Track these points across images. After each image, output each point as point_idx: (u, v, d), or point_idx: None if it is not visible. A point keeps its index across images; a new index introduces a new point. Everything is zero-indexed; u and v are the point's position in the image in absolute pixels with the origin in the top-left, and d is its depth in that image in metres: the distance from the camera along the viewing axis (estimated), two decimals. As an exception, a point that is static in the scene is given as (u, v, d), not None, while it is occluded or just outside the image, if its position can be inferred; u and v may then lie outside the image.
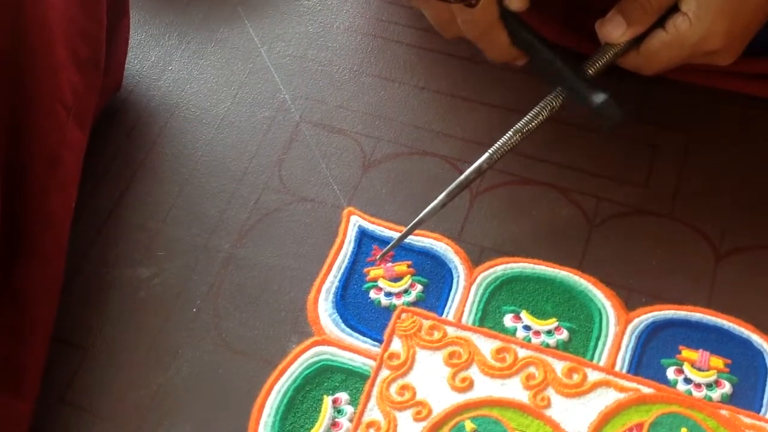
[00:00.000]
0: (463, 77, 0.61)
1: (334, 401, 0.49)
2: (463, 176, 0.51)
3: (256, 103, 0.60)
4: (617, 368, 0.49)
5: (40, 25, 0.49)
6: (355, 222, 0.55)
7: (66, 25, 0.51)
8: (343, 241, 0.54)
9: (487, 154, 0.51)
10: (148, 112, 0.60)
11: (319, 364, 0.50)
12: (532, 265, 0.53)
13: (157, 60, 0.63)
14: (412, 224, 0.52)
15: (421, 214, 0.51)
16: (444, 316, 0.51)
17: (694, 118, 0.58)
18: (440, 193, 0.51)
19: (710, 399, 0.48)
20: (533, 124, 0.51)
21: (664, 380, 0.49)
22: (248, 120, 0.60)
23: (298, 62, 0.62)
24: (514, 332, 0.51)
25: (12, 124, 0.48)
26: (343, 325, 0.51)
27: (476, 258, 0.53)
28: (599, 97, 0.49)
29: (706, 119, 0.58)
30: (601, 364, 0.49)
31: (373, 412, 0.48)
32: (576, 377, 0.49)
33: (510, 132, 0.51)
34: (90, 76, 0.54)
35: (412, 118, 0.59)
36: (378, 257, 0.53)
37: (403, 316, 0.51)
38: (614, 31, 0.50)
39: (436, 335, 0.50)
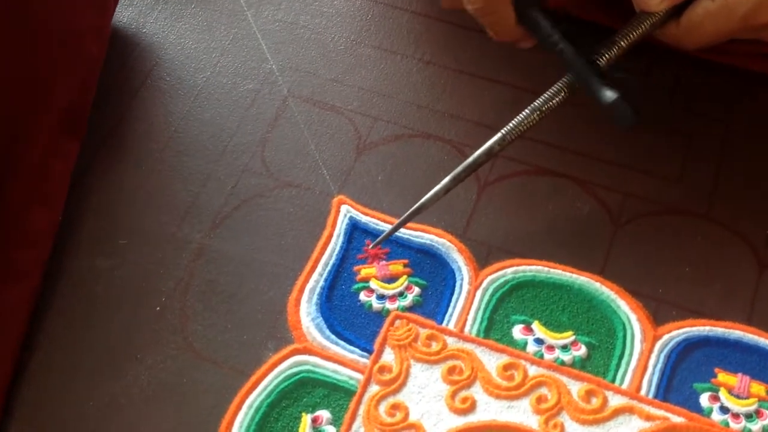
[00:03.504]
0: (474, 51, 0.56)
1: (314, 420, 0.44)
2: (471, 158, 0.47)
3: (240, 73, 0.55)
4: (643, 392, 0.44)
5: (40, 25, 0.48)
6: (345, 212, 0.50)
7: (74, 23, 0.50)
8: (331, 234, 0.49)
9: (499, 135, 0.47)
10: (117, 82, 0.55)
11: (298, 377, 0.45)
12: (546, 269, 0.48)
13: (130, 21, 0.57)
14: (411, 210, 0.47)
15: (423, 200, 0.47)
16: (444, 324, 0.46)
17: (736, 105, 0.53)
18: (444, 178, 0.47)
19: (750, 432, 0.43)
20: (553, 102, 0.47)
21: (697, 408, 0.44)
22: (229, 93, 0.55)
23: (288, 29, 0.57)
24: (524, 346, 0.46)
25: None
26: (327, 332, 0.46)
27: (483, 258, 0.48)
28: (609, 96, 0.45)
29: (749, 107, 0.53)
30: (624, 386, 0.44)
31: (359, 435, 0.43)
32: (595, 401, 0.44)
33: (527, 110, 0.47)
34: (94, 74, 0.52)
35: (415, 96, 0.54)
36: (371, 246, 0.48)
37: (397, 323, 0.46)
38: None
39: (435, 347, 0.45)
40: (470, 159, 0.47)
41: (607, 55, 0.47)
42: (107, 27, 0.54)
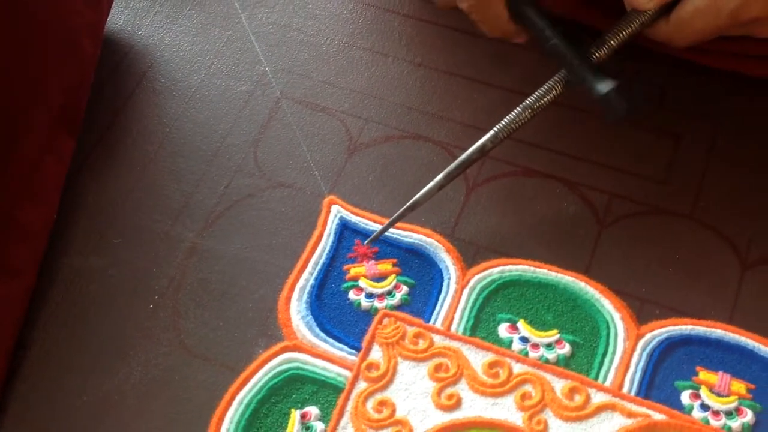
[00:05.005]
0: (465, 54, 0.56)
1: (303, 416, 0.44)
2: (464, 156, 0.47)
3: (233, 75, 0.56)
4: (625, 390, 0.44)
5: (36, 21, 0.48)
6: (336, 212, 0.50)
7: (69, 21, 0.50)
8: (321, 234, 0.49)
9: (492, 132, 0.47)
10: (112, 82, 0.55)
11: (288, 373, 0.45)
12: (532, 269, 0.48)
13: (126, 24, 0.58)
14: (405, 207, 0.48)
15: (417, 196, 0.47)
16: (431, 322, 0.47)
17: (723, 106, 0.53)
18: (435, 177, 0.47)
19: (730, 429, 0.43)
20: (545, 100, 0.47)
21: (678, 405, 0.44)
22: (223, 94, 0.55)
23: (281, 31, 0.57)
24: (509, 344, 0.46)
25: None
26: (317, 329, 0.47)
27: (470, 258, 0.48)
28: (604, 87, 0.45)
29: (736, 109, 0.53)
30: (607, 384, 0.45)
31: (347, 431, 0.44)
32: (578, 398, 0.44)
33: (518, 108, 0.47)
34: (89, 72, 0.52)
35: (406, 98, 0.54)
36: (366, 242, 0.49)
37: (385, 321, 0.46)
38: None
39: (422, 344, 0.46)
40: (463, 156, 0.47)
41: (598, 54, 0.47)
42: (102, 24, 0.54)
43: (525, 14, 0.47)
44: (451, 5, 0.49)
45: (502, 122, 0.47)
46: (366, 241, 0.49)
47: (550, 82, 0.47)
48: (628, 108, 0.45)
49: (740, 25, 0.46)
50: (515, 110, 0.47)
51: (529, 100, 0.47)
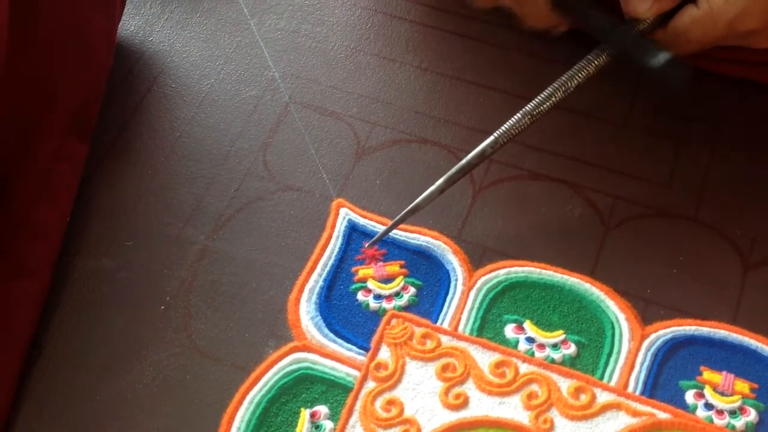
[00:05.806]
0: (470, 59, 0.57)
1: (313, 415, 0.45)
2: (464, 160, 0.48)
3: (243, 80, 0.56)
4: (630, 389, 0.45)
5: (49, 30, 0.49)
6: (344, 215, 0.51)
7: (82, 28, 0.51)
8: (330, 236, 0.50)
9: (492, 137, 0.48)
10: (123, 87, 0.56)
11: (297, 373, 0.46)
12: (538, 270, 0.48)
13: (137, 30, 0.59)
14: (406, 210, 0.48)
15: (417, 200, 0.48)
16: (439, 323, 0.47)
17: (724, 109, 0.54)
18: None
19: (733, 428, 0.44)
20: (545, 106, 0.48)
21: (683, 405, 0.44)
22: (233, 99, 0.56)
23: (290, 37, 0.58)
24: (515, 344, 0.46)
25: (8, 130, 0.48)
26: (326, 330, 0.47)
27: (477, 260, 0.49)
28: (660, 58, 0.45)
29: (737, 112, 0.54)
30: (612, 383, 0.45)
31: (356, 430, 0.44)
32: (583, 398, 0.44)
33: (519, 114, 0.48)
34: (102, 79, 0.53)
35: (413, 103, 0.55)
36: (367, 245, 0.49)
37: (393, 321, 0.47)
38: (640, 5, 0.46)
39: (429, 345, 0.46)
40: (464, 161, 0.48)
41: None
42: (114, 31, 0.55)
43: (566, 2, 0.48)
44: (491, 3, 0.50)
45: (503, 128, 0.48)
46: (368, 244, 0.49)
47: (549, 88, 0.48)
48: (685, 77, 0.45)
49: (737, 37, 0.46)
50: (515, 116, 0.48)
51: (529, 106, 0.48)
